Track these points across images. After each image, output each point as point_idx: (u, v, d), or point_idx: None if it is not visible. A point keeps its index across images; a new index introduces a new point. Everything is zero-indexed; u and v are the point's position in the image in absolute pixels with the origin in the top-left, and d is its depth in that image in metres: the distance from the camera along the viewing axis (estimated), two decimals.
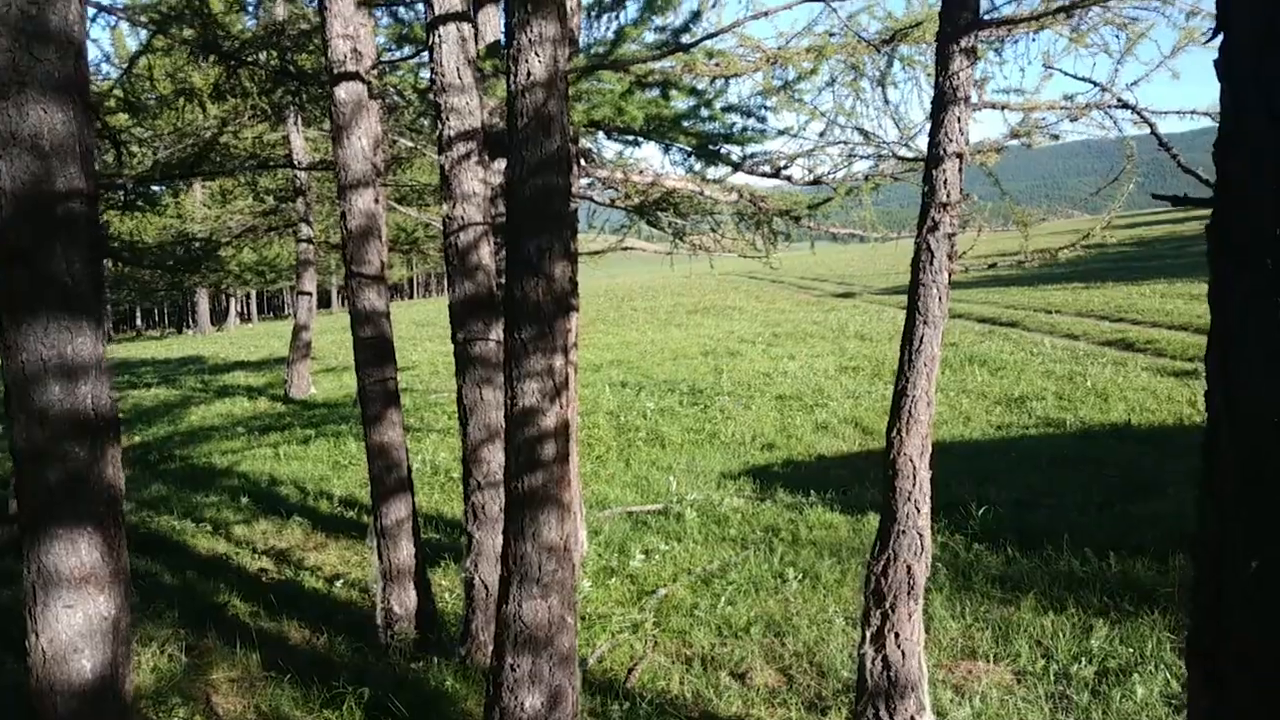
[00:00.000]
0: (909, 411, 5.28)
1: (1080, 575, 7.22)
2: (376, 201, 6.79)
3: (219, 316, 61.21)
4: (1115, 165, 5.84)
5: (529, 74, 4.80)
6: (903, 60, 6.96)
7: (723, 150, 6.93)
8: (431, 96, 6.27)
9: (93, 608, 3.18)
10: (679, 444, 13.26)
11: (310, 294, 21.45)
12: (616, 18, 7.26)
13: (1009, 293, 34.53)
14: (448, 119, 6.23)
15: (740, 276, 62.06)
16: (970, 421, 13.31)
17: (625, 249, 12.53)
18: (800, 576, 7.60)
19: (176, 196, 29.13)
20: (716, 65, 6.54)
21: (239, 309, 68.67)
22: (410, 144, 18.79)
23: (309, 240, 20.67)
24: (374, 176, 6.77)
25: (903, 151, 7.01)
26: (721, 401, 15.89)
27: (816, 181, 7.62)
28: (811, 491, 10.05)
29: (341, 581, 8.61)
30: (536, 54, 4.79)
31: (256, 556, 9.71)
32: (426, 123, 19.45)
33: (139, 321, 77.19)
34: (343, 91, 6.57)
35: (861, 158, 7.34)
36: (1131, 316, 23.14)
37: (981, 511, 8.71)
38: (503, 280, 5.06)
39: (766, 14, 6.36)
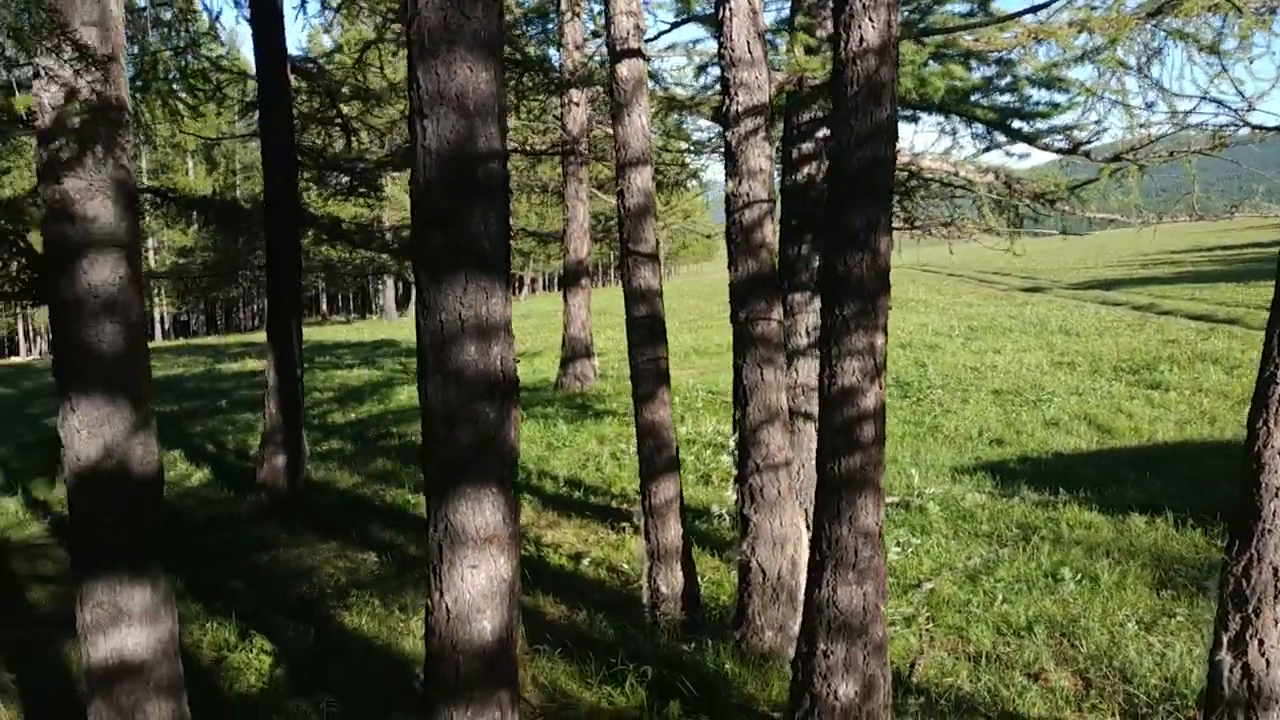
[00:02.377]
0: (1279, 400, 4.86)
1: None
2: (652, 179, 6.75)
3: (401, 303, 63.49)
4: None
5: (861, 40, 4.63)
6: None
7: (1013, 124, 6.60)
8: (720, 71, 6.17)
9: (494, 569, 3.18)
10: (899, 436, 12.89)
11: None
12: None
13: (1218, 289, 32.49)
14: (735, 94, 6.12)
15: (913, 269, 60.48)
16: (1215, 422, 12.49)
17: None
18: (1077, 577, 7.20)
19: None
20: (1014, 37, 6.22)
21: None
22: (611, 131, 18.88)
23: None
24: (651, 155, 6.72)
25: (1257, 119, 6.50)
26: (935, 395, 15.40)
27: (1116, 158, 7.18)
28: (1060, 489, 9.56)
29: (588, 560, 8.66)
30: (870, 19, 4.61)
31: None
32: None
33: (324, 307, 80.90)
34: (624, 68, 6.55)
35: (1187, 127, 6.83)
36: None
37: None
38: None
39: None
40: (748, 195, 6.15)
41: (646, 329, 6.75)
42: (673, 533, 6.80)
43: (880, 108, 4.67)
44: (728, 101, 6.17)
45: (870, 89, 4.64)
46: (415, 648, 7.01)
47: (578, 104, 16.92)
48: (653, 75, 11.55)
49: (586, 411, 16.37)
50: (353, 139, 14.33)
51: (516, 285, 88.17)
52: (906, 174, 9.22)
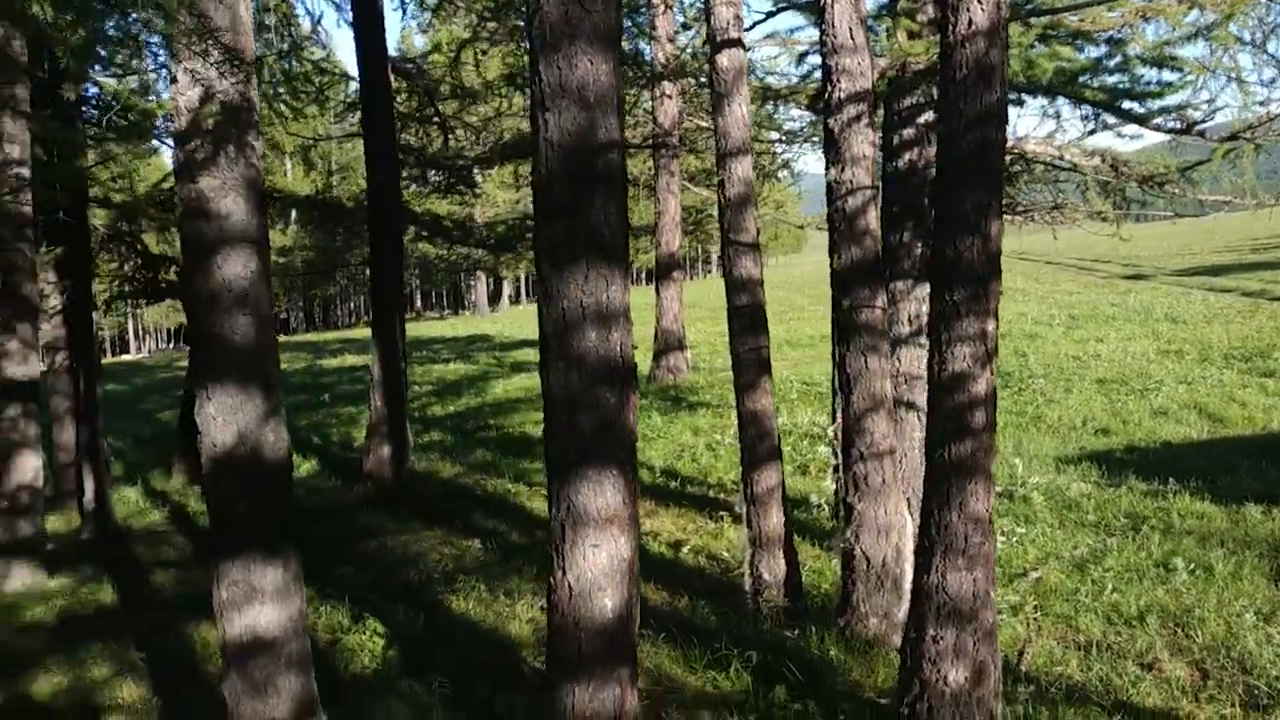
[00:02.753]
0: None
1: None
2: (762, 166, 6.77)
3: (492, 299, 64.40)
4: None
5: (970, 22, 4.60)
6: None
7: (1123, 105, 6.46)
8: (824, 59, 6.16)
9: (615, 548, 3.26)
10: (1001, 426, 12.62)
11: None
12: None
13: None
14: (838, 81, 6.11)
15: (1010, 258, 58.95)
16: None
17: None
18: (1190, 567, 7.03)
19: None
20: (1121, 16, 6.09)
21: (509, 292, 72.04)
22: (705, 124, 18.91)
23: None
24: (751, 144, 6.75)
25: None
26: (1038, 384, 15.11)
27: (1231, 137, 6.97)
28: (1170, 479, 9.32)
29: (687, 548, 8.73)
30: (979, 1, 4.58)
31: None
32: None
33: (418, 303, 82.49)
34: (724, 59, 6.58)
35: None
36: None
37: None
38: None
39: None
40: (851, 182, 6.14)
41: (748, 318, 6.78)
42: (775, 520, 6.83)
43: (990, 90, 4.63)
44: (830, 88, 6.16)
45: (980, 71, 4.60)
46: (521, 631, 7.17)
47: (670, 97, 16.98)
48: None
49: (680, 403, 16.44)
50: (449, 137, 14.60)
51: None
52: (1010, 158, 9.07)
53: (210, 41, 3.62)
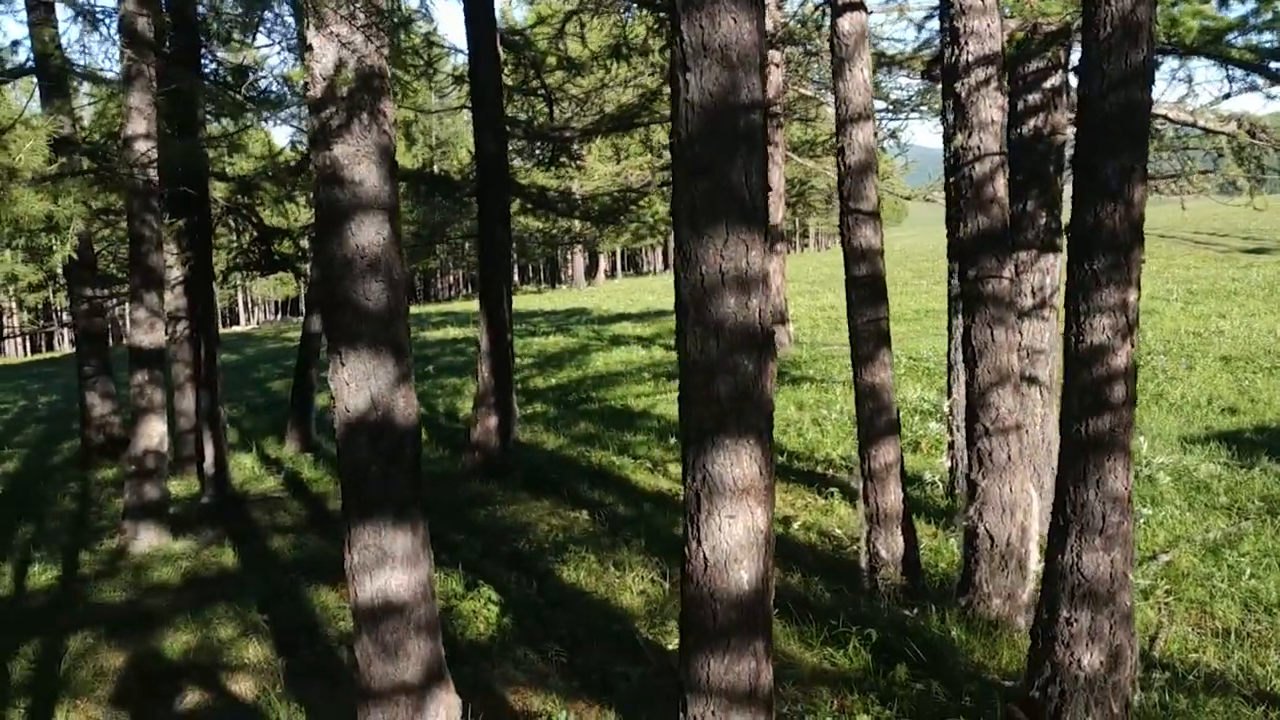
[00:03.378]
0: None
1: None
2: (874, 135, 6.60)
3: (588, 272, 64.71)
4: None
5: None
6: None
7: (1272, 65, 6.11)
8: (949, 22, 5.96)
9: (751, 519, 3.20)
10: None
11: None
12: None
13: None
14: (966, 43, 5.90)
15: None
16: None
17: None
18: None
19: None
20: None
21: (605, 266, 72.29)
22: (809, 93, 18.60)
23: None
24: (872, 110, 6.57)
25: None
26: (1158, 361, 14.56)
27: None
28: None
29: (798, 524, 8.62)
30: None
31: None
32: (821, 71, 19.20)
33: (514, 277, 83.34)
34: (846, 22, 6.41)
35: None
36: None
37: None
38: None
39: None
40: (978, 148, 5.94)
41: (867, 289, 6.62)
42: (893, 497, 6.69)
43: (1136, 49, 4.41)
44: (956, 51, 5.95)
45: (1126, 29, 4.38)
46: (633, 603, 7.17)
47: (777, 65, 16.72)
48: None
49: (783, 378, 16.27)
50: (554, 109, 14.62)
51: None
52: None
53: (359, 2, 3.62)
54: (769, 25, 15.38)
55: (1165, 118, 8.02)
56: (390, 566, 4.13)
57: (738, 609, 3.22)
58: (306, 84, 3.98)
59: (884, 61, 10.46)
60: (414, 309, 55.83)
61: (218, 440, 11.09)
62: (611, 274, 76.96)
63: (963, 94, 5.96)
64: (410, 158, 58.30)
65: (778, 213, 18.18)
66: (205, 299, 11.34)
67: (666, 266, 79.43)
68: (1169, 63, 8.16)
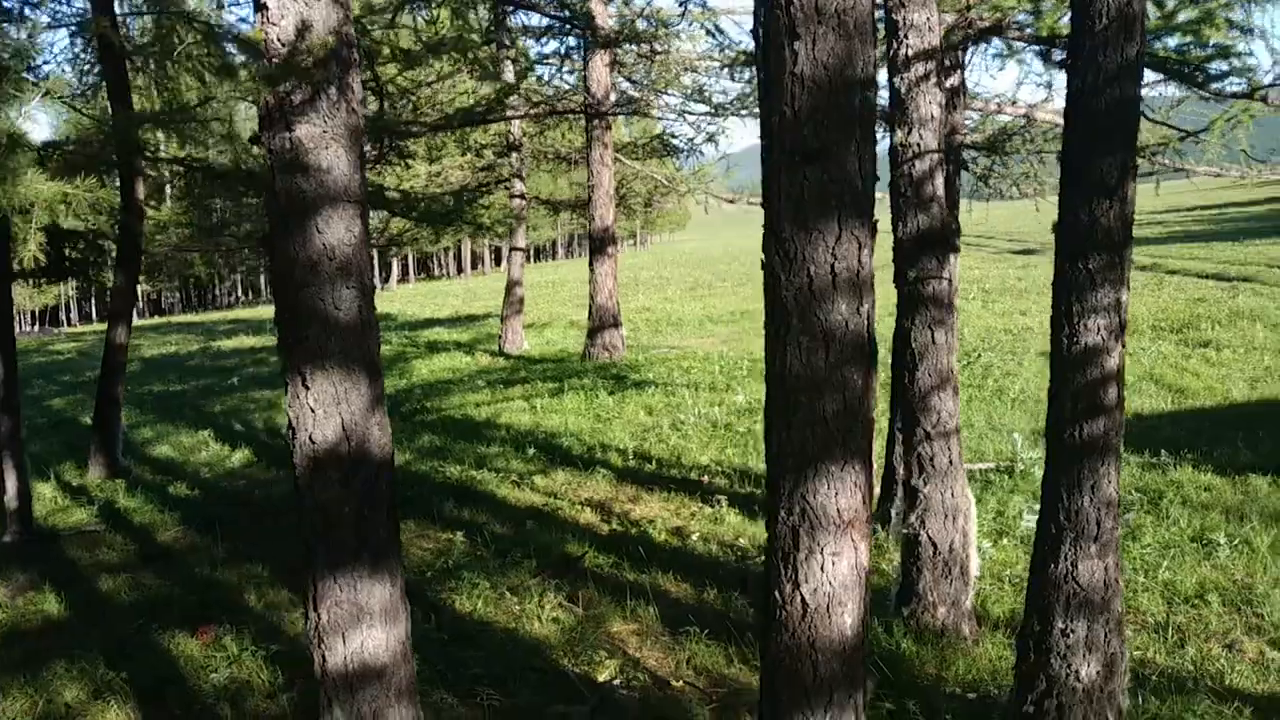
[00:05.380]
0: None
1: None
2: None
3: (383, 277, 62.63)
4: None
5: None
6: None
7: (1181, 69, 6.24)
8: (889, 14, 5.75)
9: (855, 556, 2.81)
10: (965, 400, 12.60)
11: (523, 250, 21.37)
12: None
13: (1213, 248, 32.61)
14: (906, 36, 5.72)
15: (885, 234, 60.24)
16: None
17: None
18: (1233, 541, 6.94)
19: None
20: None
21: (398, 271, 70.23)
22: (635, 94, 18.42)
23: (522, 196, 20.54)
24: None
25: None
26: (985, 358, 15.15)
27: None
28: (1161, 451, 9.31)
29: (696, 536, 8.29)
30: None
31: (577, 508, 9.49)
32: (644, 72, 19.07)
33: None
34: None
35: None
36: None
37: None
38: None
39: None
40: (918, 145, 5.76)
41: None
42: None
43: (1131, 42, 4.29)
44: (895, 45, 5.76)
45: (1123, 21, 4.25)
46: (545, 632, 6.65)
47: (608, 64, 16.37)
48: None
49: (624, 382, 15.97)
50: (385, 103, 13.73)
51: (494, 256, 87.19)
52: (1015, 129, 8.88)
53: None
54: (601, 22, 15.05)
55: (1029, 117, 8.17)
56: (367, 624, 3.50)
57: (840, 659, 2.82)
58: (259, 50, 3.29)
59: None
60: (197, 317, 52.32)
61: (20, 469, 9.71)
62: (404, 278, 74.79)
63: (903, 89, 5.77)
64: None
65: (609, 214, 17.84)
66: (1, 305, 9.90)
67: (460, 270, 77.81)
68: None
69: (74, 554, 9.37)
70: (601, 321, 18.22)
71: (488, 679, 5.94)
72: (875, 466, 6.42)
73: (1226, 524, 7.36)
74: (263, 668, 6.39)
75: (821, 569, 2.79)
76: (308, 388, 3.41)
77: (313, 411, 3.41)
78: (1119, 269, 4.42)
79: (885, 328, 15.89)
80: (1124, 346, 4.52)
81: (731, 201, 19.40)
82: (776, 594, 2.88)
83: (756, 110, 17.68)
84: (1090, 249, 4.39)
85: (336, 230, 3.37)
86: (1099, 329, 4.42)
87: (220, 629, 7.05)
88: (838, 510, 2.77)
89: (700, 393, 14.54)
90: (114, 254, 13.24)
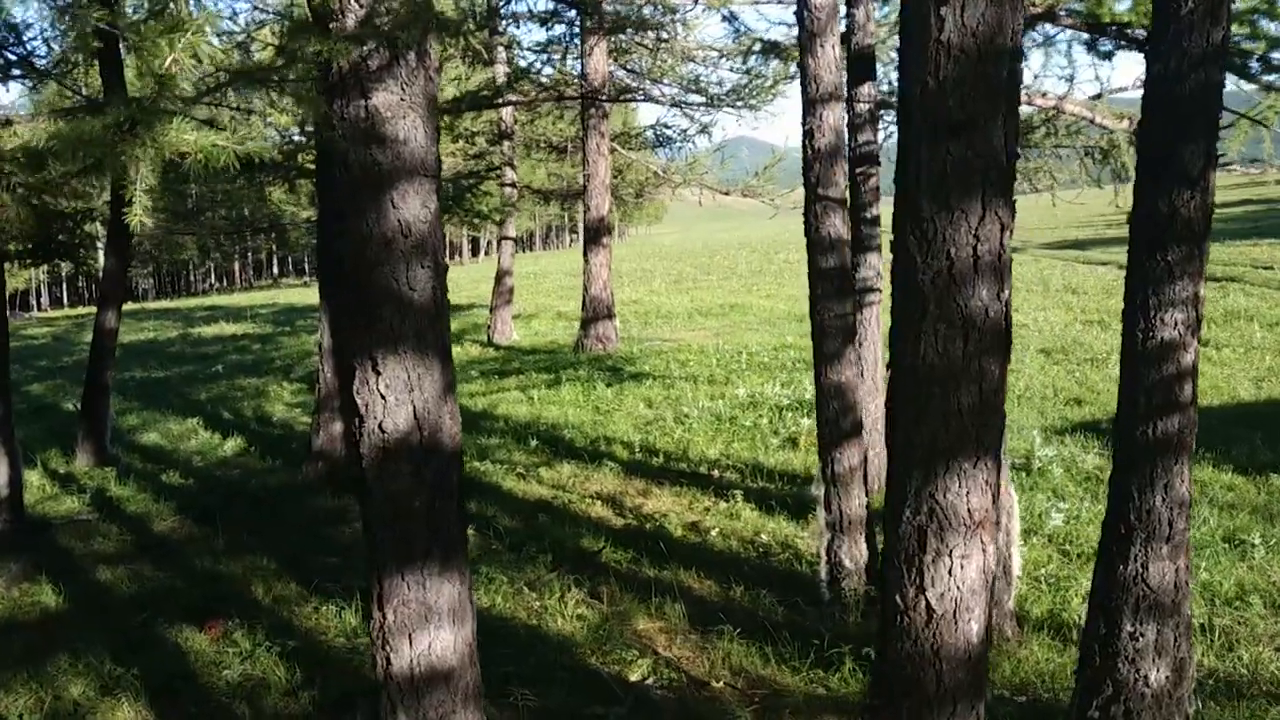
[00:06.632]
0: None
1: None
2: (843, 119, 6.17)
3: None
4: None
5: None
6: None
7: (1232, 61, 6.12)
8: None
9: (983, 559, 2.64)
10: None
11: (513, 239, 21.13)
12: None
13: None
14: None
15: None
16: None
17: None
18: (1270, 541, 6.86)
19: None
20: None
21: None
22: (631, 83, 18.23)
23: (513, 184, 20.29)
24: (843, 91, 6.14)
25: None
26: None
27: None
28: None
29: (715, 532, 8.12)
30: None
31: (586, 501, 9.31)
32: (641, 61, 18.87)
33: (274, 269, 78.89)
34: None
35: None
36: None
37: None
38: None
39: None
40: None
41: (834, 282, 6.19)
42: (856, 502, 6.31)
43: (1218, 26, 4.14)
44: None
45: (1210, 5, 4.11)
46: (568, 628, 6.47)
47: (607, 52, 16.14)
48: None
49: (620, 374, 15.78)
50: None
51: (472, 246, 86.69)
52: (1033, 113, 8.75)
53: None
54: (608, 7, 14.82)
55: (1071, 112, 8.05)
56: (435, 625, 3.30)
57: (965, 667, 2.65)
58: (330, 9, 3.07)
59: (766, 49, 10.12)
60: (172, 303, 51.59)
61: (12, 455, 9.38)
62: None
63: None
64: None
65: (604, 204, 17.65)
66: None
67: None
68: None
69: (68, 543, 9.10)
70: (595, 313, 18.02)
71: (518, 678, 5.75)
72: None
73: (1258, 524, 7.27)
74: (278, 664, 6.17)
75: (949, 573, 2.62)
76: (379, 373, 3.21)
77: (384, 398, 3.20)
78: (1198, 261, 4.28)
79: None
80: (1199, 342, 4.39)
81: (726, 194, 19.22)
82: (898, 598, 2.71)
83: (753, 102, 17.42)
84: (1170, 240, 4.24)
85: (413, 206, 3.17)
86: (1176, 323, 4.27)
87: (229, 623, 6.82)
88: (968, 510, 2.60)
89: (700, 385, 14.37)
90: (103, 237, 12.90)
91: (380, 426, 3.22)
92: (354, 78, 3.09)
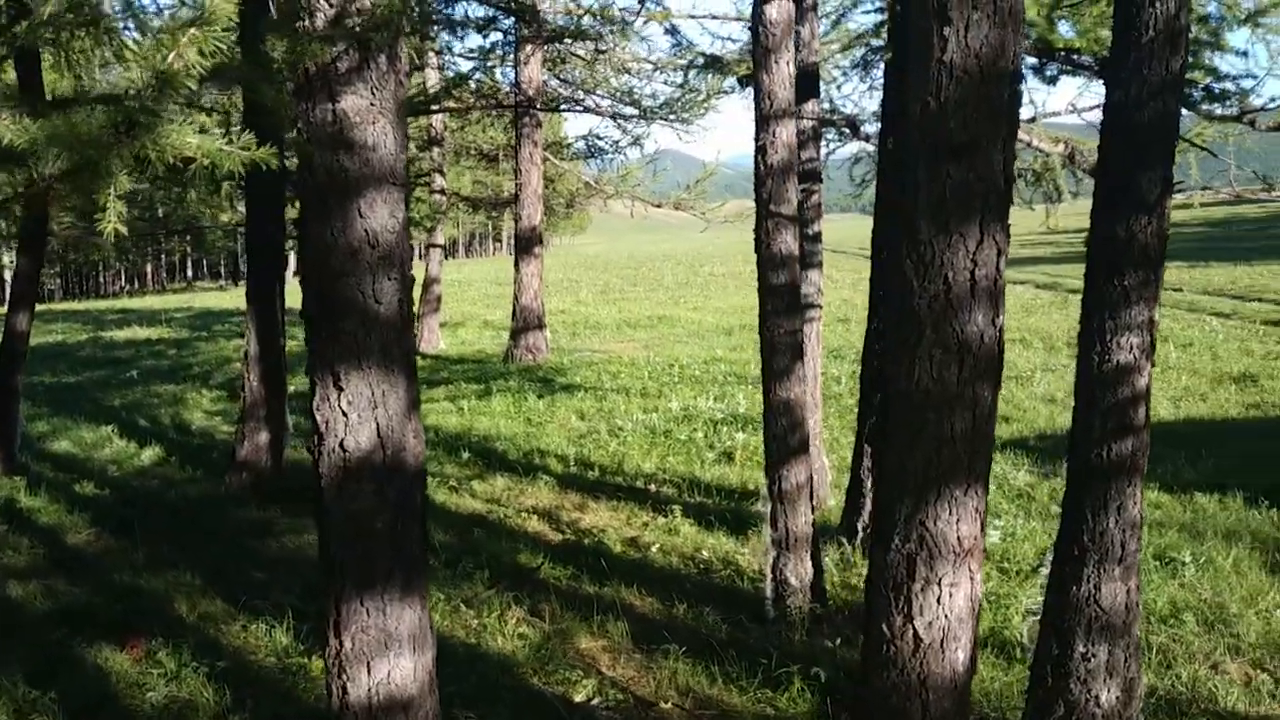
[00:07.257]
0: None
1: None
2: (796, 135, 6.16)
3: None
4: None
5: None
6: None
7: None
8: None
9: (970, 587, 2.62)
10: None
11: (442, 246, 20.86)
12: None
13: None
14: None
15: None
16: (1206, 399, 12.68)
17: None
18: (1199, 559, 7.01)
19: None
20: None
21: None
22: (565, 93, 18.15)
23: (442, 192, 20.04)
24: (794, 108, 6.13)
25: None
26: None
27: None
28: None
29: (656, 548, 8.04)
30: None
31: (522, 515, 9.16)
32: (576, 71, 18.81)
33: (189, 271, 76.83)
34: (773, 10, 5.93)
35: None
36: (1271, 296, 22.45)
37: None
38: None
39: None
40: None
41: (785, 298, 6.17)
42: (803, 519, 6.29)
43: (1176, 56, 4.21)
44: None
45: (1169, 35, 4.17)
46: (508, 647, 6.32)
47: (549, 60, 16.02)
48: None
49: (552, 385, 15.65)
50: None
51: (453, 247, 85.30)
52: None
53: None
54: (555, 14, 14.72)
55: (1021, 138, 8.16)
56: (395, 652, 3.16)
57: (951, 697, 2.61)
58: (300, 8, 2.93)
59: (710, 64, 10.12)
60: (81, 305, 49.84)
61: None
62: (298, 273, 72.52)
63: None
64: None
65: (537, 214, 17.49)
66: None
67: None
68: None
69: None
70: (526, 323, 17.85)
71: (460, 698, 5.59)
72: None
73: (1186, 542, 7.44)
74: (206, 685, 5.91)
75: (938, 601, 2.58)
76: (340, 389, 3.06)
77: (345, 415, 3.06)
78: (1153, 286, 4.36)
79: (840, 336, 15.81)
80: (1153, 365, 4.45)
81: (658, 206, 19.20)
82: (884, 627, 2.66)
83: (686, 115, 17.41)
84: (1126, 265, 4.30)
85: (380, 215, 3.03)
86: (1131, 347, 4.33)
87: (151, 641, 6.52)
88: (958, 538, 2.57)
89: (633, 398, 14.31)
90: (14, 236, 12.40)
91: (341, 445, 3.08)
92: (321, 79, 2.96)
